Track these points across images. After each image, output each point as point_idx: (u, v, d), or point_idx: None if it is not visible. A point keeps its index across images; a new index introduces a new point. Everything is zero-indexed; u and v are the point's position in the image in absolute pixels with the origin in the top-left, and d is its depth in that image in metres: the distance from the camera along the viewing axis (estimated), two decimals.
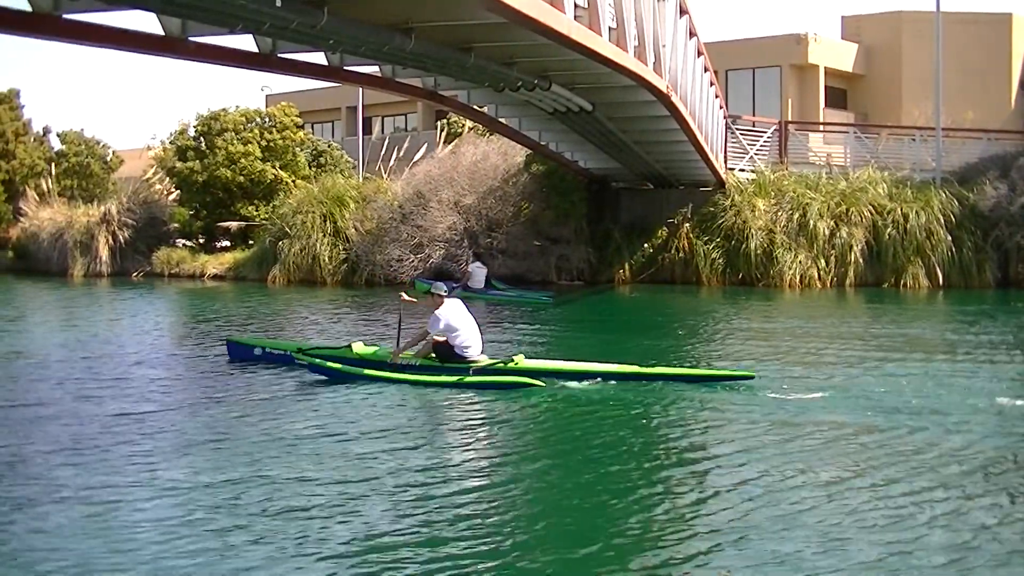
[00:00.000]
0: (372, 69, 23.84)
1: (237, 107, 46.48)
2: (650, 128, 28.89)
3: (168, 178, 49.18)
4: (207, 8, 14.84)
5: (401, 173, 42.14)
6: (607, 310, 30.99)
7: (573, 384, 15.12)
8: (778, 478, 10.06)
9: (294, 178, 44.80)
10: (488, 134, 39.51)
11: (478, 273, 32.37)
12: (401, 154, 46.61)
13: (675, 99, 25.76)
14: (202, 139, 45.54)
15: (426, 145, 46.51)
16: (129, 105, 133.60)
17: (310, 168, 47.31)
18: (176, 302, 34.57)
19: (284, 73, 22.02)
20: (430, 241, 36.78)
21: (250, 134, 44.88)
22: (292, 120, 46.05)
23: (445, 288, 16.59)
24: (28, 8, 14.04)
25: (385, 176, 43.09)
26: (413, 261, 36.70)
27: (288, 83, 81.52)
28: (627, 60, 21.37)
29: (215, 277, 42.70)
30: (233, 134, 44.65)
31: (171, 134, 47.61)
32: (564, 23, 17.57)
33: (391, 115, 61.87)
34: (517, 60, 22.07)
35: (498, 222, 37.17)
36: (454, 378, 15.27)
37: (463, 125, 46.30)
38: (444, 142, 45.23)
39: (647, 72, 22.86)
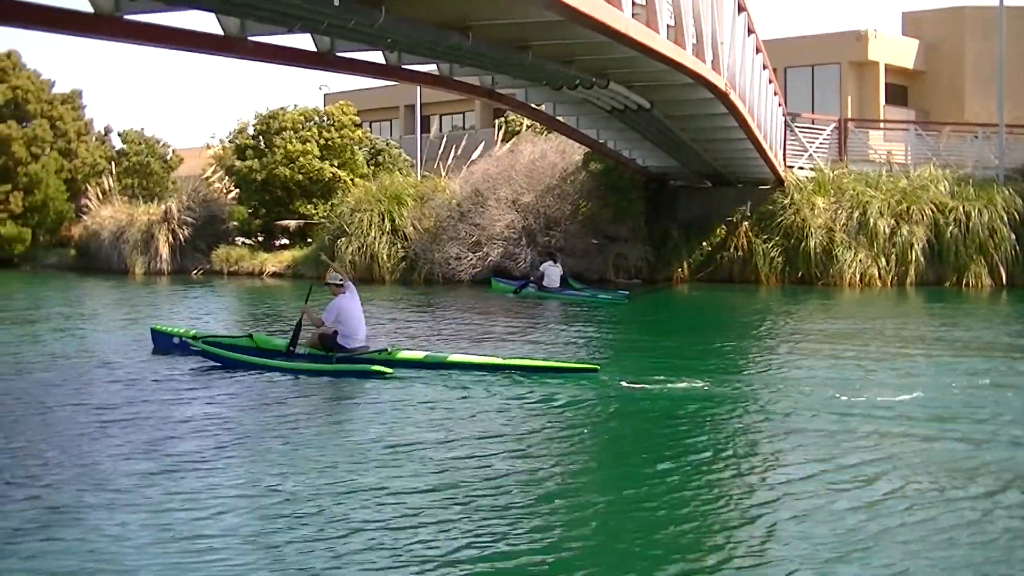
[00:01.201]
0: (430, 68, 24.05)
1: (296, 106, 47.27)
2: (708, 126, 29.08)
3: (227, 177, 50.02)
4: (265, 8, 15.07)
5: (459, 171, 42.54)
6: (675, 309, 30.98)
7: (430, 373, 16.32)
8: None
9: (352, 176, 45.34)
10: (546, 132, 39.77)
11: (551, 272, 31.99)
12: (459, 152, 46.95)
13: (733, 97, 25.90)
14: (261, 138, 46.30)
15: (484, 143, 46.81)
16: (189, 104, 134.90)
17: (368, 166, 47.84)
18: (237, 299, 35.13)
19: (342, 72, 22.18)
20: (488, 239, 37.05)
21: (308, 133, 45.51)
22: (350, 119, 46.61)
23: (340, 279, 17.52)
24: (90, 9, 14.38)
25: (443, 174, 43.42)
26: (471, 259, 37.01)
27: (346, 82, 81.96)
28: (685, 58, 21.54)
29: (274, 275, 43.34)
30: (292, 133, 45.29)
31: (230, 133, 48.47)
32: (622, 21, 17.77)
33: (449, 113, 62.16)
34: (575, 58, 22.23)
35: (556, 220, 37.39)
36: (320, 365, 16.56)
37: (521, 123, 46.51)
38: (502, 140, 45.43)
39: (705, 70, 23.01)
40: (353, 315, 17.13)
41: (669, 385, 15.14)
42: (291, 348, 17.10)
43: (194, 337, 18.17)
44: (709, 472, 10.61)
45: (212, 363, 17.13)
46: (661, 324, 26.49)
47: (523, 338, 21.42)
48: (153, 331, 19.70)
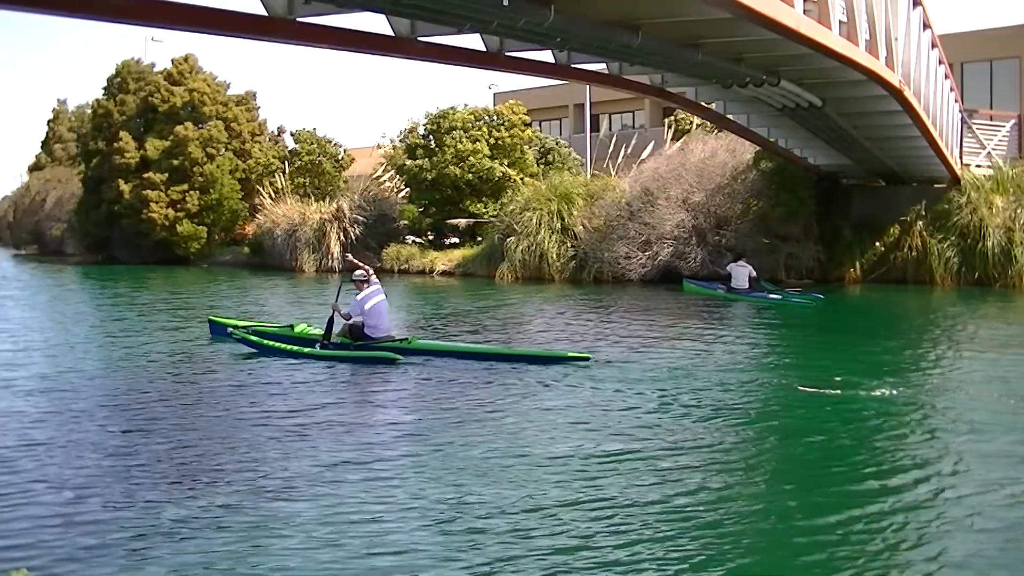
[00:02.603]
0: (599, 67, 24.20)
1: (465, 105, 48.39)
2: (882, 124, 28.85)
3: (398, 176, 51.28)
4: (435, 8, 15.45)
5: (629, 170, 42.95)
6: (851, 311, 30.69)
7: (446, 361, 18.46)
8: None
9: (522, 176, 46.16)
10: (716, 131, 40.01)
11: (738, 272, 31.45)
12: (629, 151, 47.32)
13: (908, 94, 25.67)
14: (431, 137, 47.47)
15: (653, 142, 47.08)
16: (360, 104, 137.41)
17: (538, 165, 48.63)
18: (406, 297, 35.96)
19: (512, 71, 22.39)
20: (658, 239, 37.34)
21: (478, 132, 46.52)
22: (520, 118, 47.43)
23: (364, 275, 19.69)
24: (264, 12, 15.05)
25: (613, 173, 43.95)
26: (641, 258, 37.41)
27: (516, 81, 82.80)
28: (858, 54, 21.45)
29: (443, 273, 44.31)
30: (462, 132, 46.34)
31: (401, 132, 49.87)
32: (793, 17, 17.82)
33: (618, 112, 62.55)
34: (745, 56, 22.30)
35: (726, 219, 37.55)
36: (340, 352, 18.95)
37: (691, 122, 46.77)
38: (672, 139, 45.73)
39: (879, 66, 22.89)
40: (376, 308, 19.44)
41: (845, 390, 15.40)
42: (324, 342, 19.42)
43: (235, 327, 20.87)
44: (884, 481, 10.71)
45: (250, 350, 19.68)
46: (839, 326, 26.37)
47: (700, 340, 21.56)
48: (210, 321, 22.69)
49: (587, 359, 18.22)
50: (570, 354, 18.62)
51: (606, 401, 14.76)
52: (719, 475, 10.90)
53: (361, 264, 20.49)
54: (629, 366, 17.83)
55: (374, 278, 19.79)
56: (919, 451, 12.09)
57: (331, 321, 19.52)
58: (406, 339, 19.48)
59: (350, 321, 19.37)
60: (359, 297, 19.47)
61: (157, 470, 11.12)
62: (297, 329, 20.49)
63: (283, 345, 19.45)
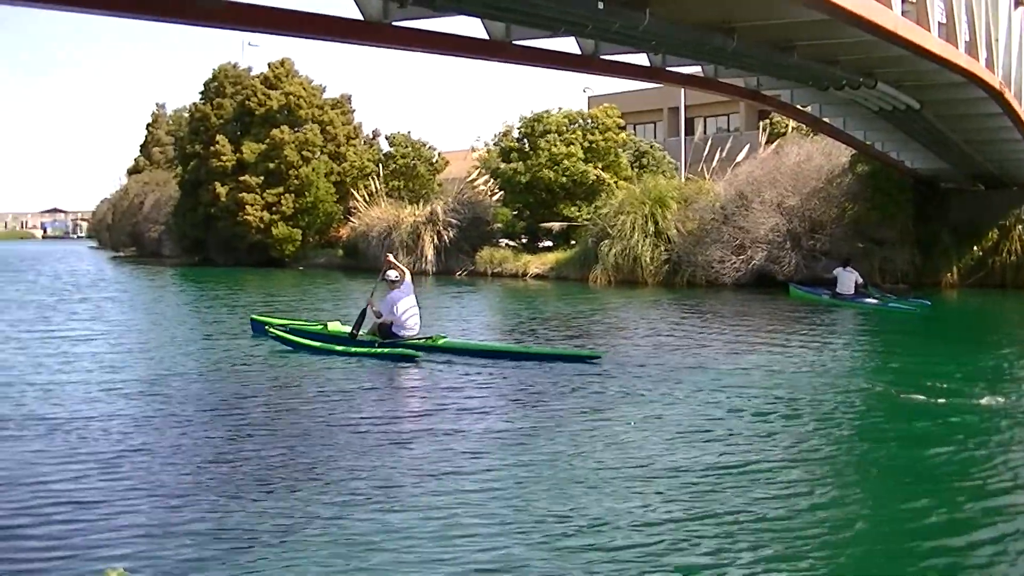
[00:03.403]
0: (694, 69, 24.19)
1: (560, 109, 48.75)
2: (982, 126, 28.57)
3: (492, 179, 51.78)
4: (530, 12, 15.39)
5: (723, 174, 43.00)
6: (954, 316, 30.33)
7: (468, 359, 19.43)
8: None
9: (616, 179, 46.40)
10: (812, 134, 39.93)
11: (844, 278, 30.65)
12: (723, 154, 47.37)
13: (1009, 96, 25.46)
14: (525, 140, 47.84)
15: (748, 145, 47.11)
16: (454, 107, 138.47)
17: (632, 169, 48.81)
18: (500, 301, 36.34)
19: (606, 74, 22.42)
20: (752, 242, 37.33)
21: (572, 135, 46.79)
22: (614, 121, 47.64)
23: (395, 276, 21.02)
24: (360, 17, 15.23)
25: (707, 177, 43.98)
26: (735, 262, 37.42)
27: (610, 84, 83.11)
28: (957, 56, 21.28)
29: (537, 277, 44.59)
30: (556, 135, 46.64)
31: (495, 136, 50.34)
32: (891, 19, 17.75)
33: (713, 115, 62.53)
34: (841, 58, 22.11)
35: (821, 223, 37.39)
36: (365, 349, 20.08)
37: (786, 125, 46.74)
38: (767, 142, 45.74)
39: (979, 68, 22.70)
40: (405, 308, 20.64)
41: (948, 398, 15.29)
42: (354, 333, 20.73)
43: (271, 325, 22.50)
44: (983, 493, 10.64)
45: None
46: (942, 332, 26.10)
47: (800, 346, 21.54)
48: (252, 320, 24.28)
49: (599, 357, 19.42)
50: (583, 352, 20.08)
51: (707, 408, 14.85)
52: (817, 483, 10.97)
53: (398, 265, 21.56)
54: (728, 372, 17.87)
55: (408, 279, 21.00)
56: (993, 456, 12.03)
57: (362, 315, 20.92)
58: (430, 337, 20.53)
59: (379, 320, 20.63)
60: (389, 297, 20.71)
61: (254, 476, 11.38)
62: (331, 327, 21.81)
63: (315, 343, 20.78)
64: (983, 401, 15.10)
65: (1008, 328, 27.10)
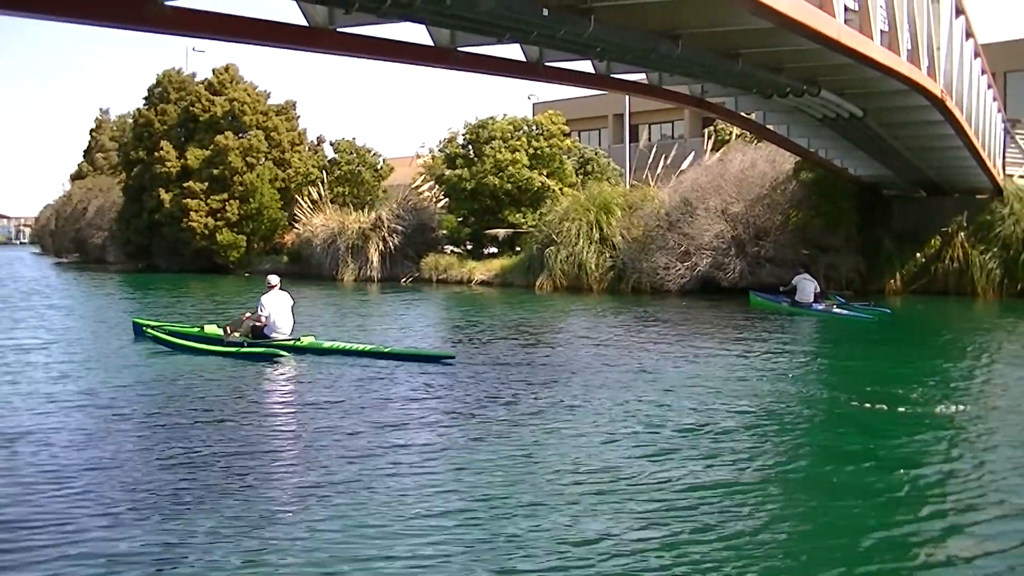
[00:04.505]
0: (639, 76, 24.14)
1: (505, 115, 48.65)
2: (924, 134, 28.68)
3: (437, 185, 51.50)
4: (475, 19, 15.39)
5: (668, 180, 43.04)
6: (912, 325, 30.05)
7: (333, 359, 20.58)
8: None
9: (561, 186, 46.34)
10: (756, 141, 40.02)
11: (804, 285, 30.20)
12: (668, 161, 47.37)
13: (950, 103, 25.54)
14: (470, 147, 47.75)
15: (693, 152, 47.13)
16: (399, 114, 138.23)
17: (577, 176, 48.80)
18: (452, 308, 36.22)
19: (551, 82, 22.38)
20: (697, 249, 37.28)
21: (518, 142, 46.73)
22: (559, 128, 47.61)
23: (275, 280, 22.81)
24: (305, 23, 15.24)
25: (652, 183, 44.00)
26: (680, 269, 37.34)
27: (555, 91, 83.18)
28: (900, 64, 21.32)
29: (482, 283, 44.38)
30: (501, 142, 46.54)
31: (440, 142, 50.19)
32: (834, 27, 17.73)
33: (658, 122, 62.74)
34: (786, 66, 22.24)
35: (766, 230, 37.43)
36: (234, 348, 21.38)
37: (731, 132, 46.85)
38: (711, 149, 45.74)
39: (921, 76, 22.79)
40: (280, 311, 22.14)
41: (895, 406, 15.32)
42: (227, 330, 22.35)
43: (149, 326, 23.80)
44: (929, 500, 10.73)
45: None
46: (894, 339, 25.88)
47: (752, 355, 21.42)
48: (134, 323, 25.31)
49: (452, 357, 20.66)
50: (439, 353, 21.25)
51: (662, 414, 14.81)
52: (773, 497, 10.88)
53: (275, 284, 22.98)
54: (684, 382, 17.61)
55: (277, 288, 22.61)
56: (965, 469, 11.97)
57: (238, 321, 22.55)
58: (297, 339, 21.89)
59: (250, 320, 22.16)
60: (264, 299, 22.26)
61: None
62: (207, 329, 23.15)
63: (190, 343, 22.03)
64: (949, 409, 15.16)
65: (963, 335, 26.97)
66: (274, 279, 22.97)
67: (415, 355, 20.84)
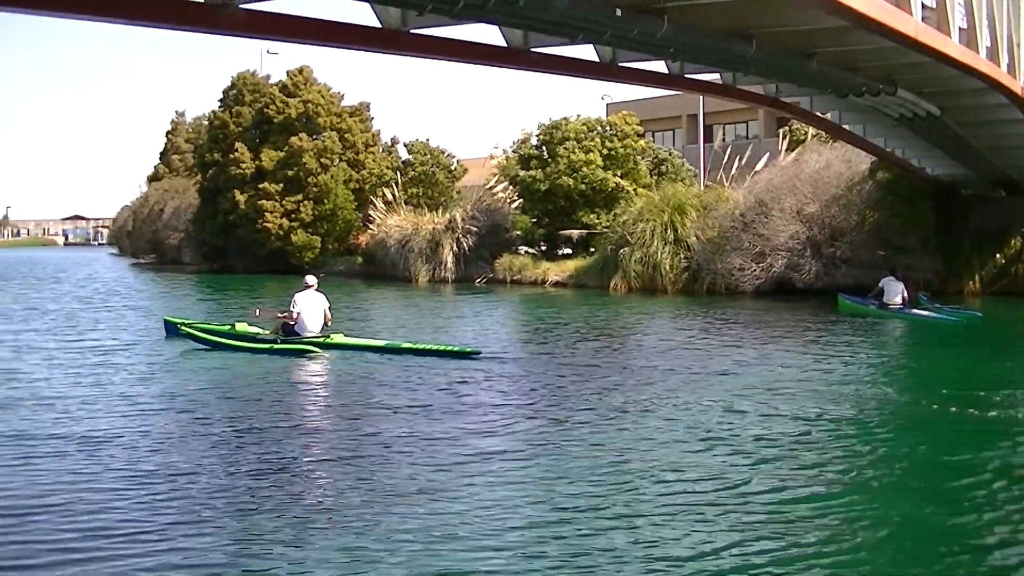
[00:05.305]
0: (713, 77, 24.17)
1: (578, 116, 48.65)
2: (1004, 132, 28.50)
3: (511, 186, 51.58)
4: (549, 19, 15.50)
5: (743, 181, 42.81)
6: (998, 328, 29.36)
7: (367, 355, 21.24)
8: None
9: (635, 186, 46.22)
10: (831, 141, 39.71)
11: (891, 288, 29.42)
12: (743, 162, 47.02)
13: None
14: (544, 148, 47.78)
15: (768, 153, 46.74)
16: (473, 115, 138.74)
17: (651, 176, 48.66)
18: (527, 308, 36.20)
19: (625, 82, 22.65)
20: (772, 250, 37.10)
21: (591, 143, 46.70)
22: (633, 128, 47.57)
23: (312, 281, 23.41)
24: (378, 25, 15.39)
25: (726, 184, 43.82)
26: (755, 270, 37.18)
27: (629, 92, 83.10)
28: (979, 62, 21.22)
29: (556, 284, 44.36)
30: (575, 143, 46.54)
31: (514, 143, 50.31)
32: (911, 25, 17.72)
33: (732, 123, 62.40)
34: (861, 65, 22.17)
35: (841, 231, 37.11)
36: (267, 345, 22.10)
37: (806, 132, 46.49)
38: (786, 149, 45.45)
39: (1001, 74, 22.65)
40: (310, 310, 22.63)
41: (982, 411, 15.00)
42: (256, 312, 24.39)
43: (181, 324, 24.36)
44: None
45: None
46: (984, 340, 25.51)
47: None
48: (165, 321, 25.94)
49: (478, 353, 20.95)
50: (462, 349, 21.44)
51: (754, 418, 14.61)
52: (847, 491, 10.86)
53: (271, 313, 24.13)
54: (771, 385, 17.35)
55: (313, 288, 23.12)
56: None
57: (274, 317, 23.38)
58: (327, 336, 22.57)
59: (282, 318, 22.83)
60: (296, 298, 22.82)
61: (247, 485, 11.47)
62: (237, 327, 23.71)
63: (224, 340, 22.66)
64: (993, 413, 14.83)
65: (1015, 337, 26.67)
66: (311, 279, 23.60)
67: (442, 351, 21.27)
